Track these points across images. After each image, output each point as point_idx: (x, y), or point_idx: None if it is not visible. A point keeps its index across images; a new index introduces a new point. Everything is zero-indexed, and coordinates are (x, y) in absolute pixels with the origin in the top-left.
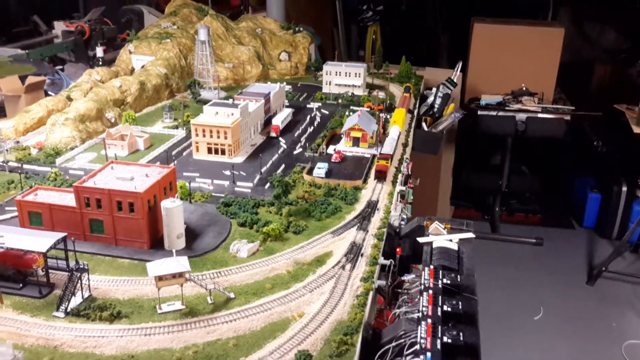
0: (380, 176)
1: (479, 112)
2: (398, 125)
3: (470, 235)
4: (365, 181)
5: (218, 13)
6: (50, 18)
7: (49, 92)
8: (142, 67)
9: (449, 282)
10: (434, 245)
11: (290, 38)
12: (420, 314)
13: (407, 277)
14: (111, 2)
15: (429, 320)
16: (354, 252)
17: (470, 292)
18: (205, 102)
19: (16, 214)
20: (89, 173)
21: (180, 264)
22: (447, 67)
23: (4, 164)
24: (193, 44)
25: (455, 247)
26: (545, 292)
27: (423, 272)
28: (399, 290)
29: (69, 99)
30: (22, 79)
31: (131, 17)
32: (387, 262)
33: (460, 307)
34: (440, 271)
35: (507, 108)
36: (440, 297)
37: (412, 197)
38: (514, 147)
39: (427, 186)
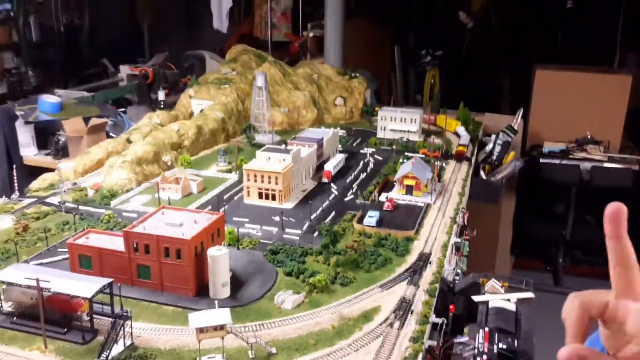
0: (460, 157)
1: (542, 160)
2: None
3: (530, 295)
4: (417, 232)
5: (277, 59)
6: (117, 61)
7: (111, 134)
8: (201, 111)
9: (504, 347)
10: (490, 305)
11: (346, 83)
12: None
13: (459, 340)
14: (175, 48)
15: None
16: (403, 308)
17: (527, 358)
18: (260, 145)
19: (67, 256)
20: (142, 216)
21: (222, 316)
22: (508, 113)
23: (61, 205)
24: (251, 89)
25: (513, 307)
26: None
27: (477, 335)
28: (451, 352)
29: (129, 141)
30: (86, 120)
31: (194, 62)
32: (439, 320)
33: None
34: (496, 334)
35: (571, 156)
36: None
37: (467, 250)
38: (578, 196)
39: (485, 237)
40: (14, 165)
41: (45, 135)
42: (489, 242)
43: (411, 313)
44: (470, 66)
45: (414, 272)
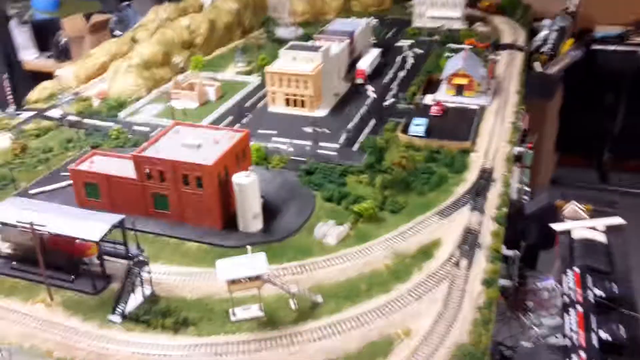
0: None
1: (594, 46)
2: None
3: (620, 220)
4: (474, 142)
5: None
6: None
7: (115, 32)
8: (212, 1)
9: (602, 293)
10: (575, 237)
11: None
12: (569, 342)
13: (544, 283)
14: None
15: (583, 354)
16: (469, 242)
17: (629, 306)
18: (281, 41)
19: (71, 182)
20: (155, 129)
21: (257, 263)
22: None
23: (63, 119)
24: None
25: (602, 238)
26: None
27: (565, 277)
28: (529, 295)
29: (134, 40)
30: (88, 17)
31: None
32: (511, 253)
33: (621, 332)
34: (588, 276)
35: (627, 42)
36: (593, 317)
37: (531, 159)
38: (633, 86)
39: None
40: (5, 74)
41: (45, 35)
42: (533, 132)
43: (479, 247)
44: None
45: (477, 194)
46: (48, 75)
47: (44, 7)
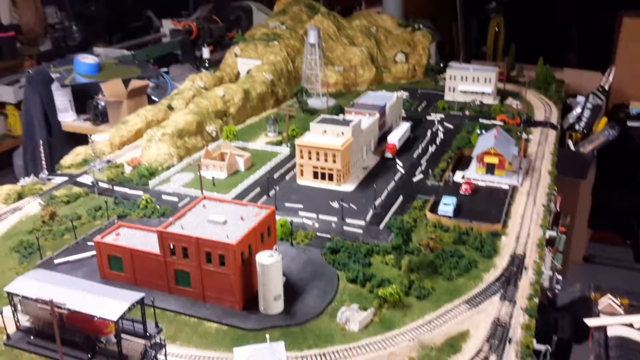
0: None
1: (629, 123)
2: None
3: None
4: (505, 224)
5: (329, 9)
6: (163, 13)
7: (153, 97)
8: (248, 72)
9: None
10: (610, 334)
11: (409, 37)
12: None
13: None
14: None
15: None
16: (498, 335)
17: None
18: (313, 111)
19: (95, 253)
20: (182, 199)
21: (275, 356)
22: (589, 67)
23: (94, 185)
24: (302, 45)
25: (639, 337)
26: None
27: None
28: None
29: (170, 108)
30: (126, 82)
31: (240, 15)
32: (543, 348)
33: None
34: None
35: None
36: None
37: (563, 244)
38: None
39: (561, 209)
40: (40, 141)
41: (84, 98)
42: (565, 214)
43: (509, 342)
44: (540, 13)
45: (507, 282)
46: (84, 137)
47: (85, 71)
